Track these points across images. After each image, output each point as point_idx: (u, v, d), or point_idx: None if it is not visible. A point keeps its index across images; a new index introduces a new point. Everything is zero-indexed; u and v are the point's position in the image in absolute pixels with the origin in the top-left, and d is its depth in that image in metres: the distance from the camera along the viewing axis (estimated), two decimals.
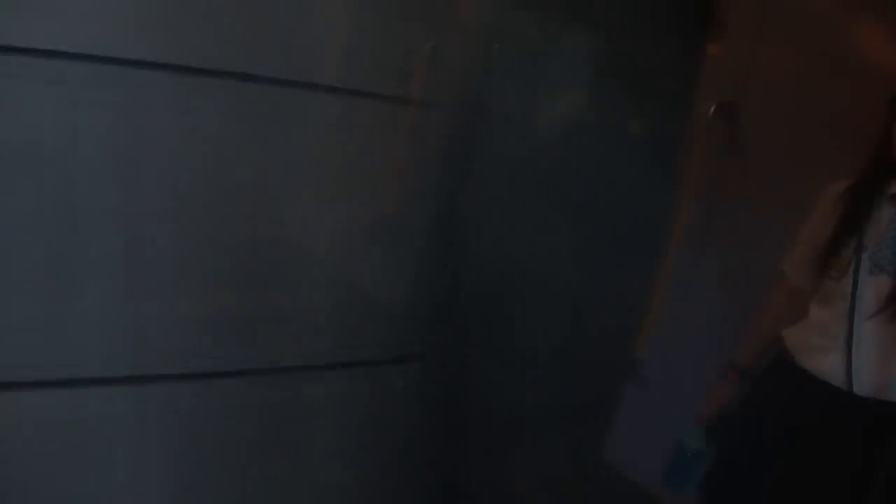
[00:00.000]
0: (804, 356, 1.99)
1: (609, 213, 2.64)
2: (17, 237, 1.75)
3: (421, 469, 2.58)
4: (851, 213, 1.96)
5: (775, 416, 2.05)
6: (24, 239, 1.76)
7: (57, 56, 1.67)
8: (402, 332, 2.48)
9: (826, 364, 1.94)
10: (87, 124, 1.76)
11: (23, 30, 1.63)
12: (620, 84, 2.58)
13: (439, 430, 2.58)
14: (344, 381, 2.34)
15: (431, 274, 2.49)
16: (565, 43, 2.52)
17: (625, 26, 2.46)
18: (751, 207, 2.59)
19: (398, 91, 2.30)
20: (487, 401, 2.60)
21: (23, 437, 1.85)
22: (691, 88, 2.80)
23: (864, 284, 1.90)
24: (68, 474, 1.94)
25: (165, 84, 1.84)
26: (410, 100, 2.34)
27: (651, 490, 2.74)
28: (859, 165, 1.95)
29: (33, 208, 1.76)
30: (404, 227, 2.43)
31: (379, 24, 2.20)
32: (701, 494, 2.26)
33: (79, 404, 1.93)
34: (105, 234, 1.86)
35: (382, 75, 2.25)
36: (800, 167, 2.43)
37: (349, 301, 2.34)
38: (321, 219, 2.24)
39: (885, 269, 1.87)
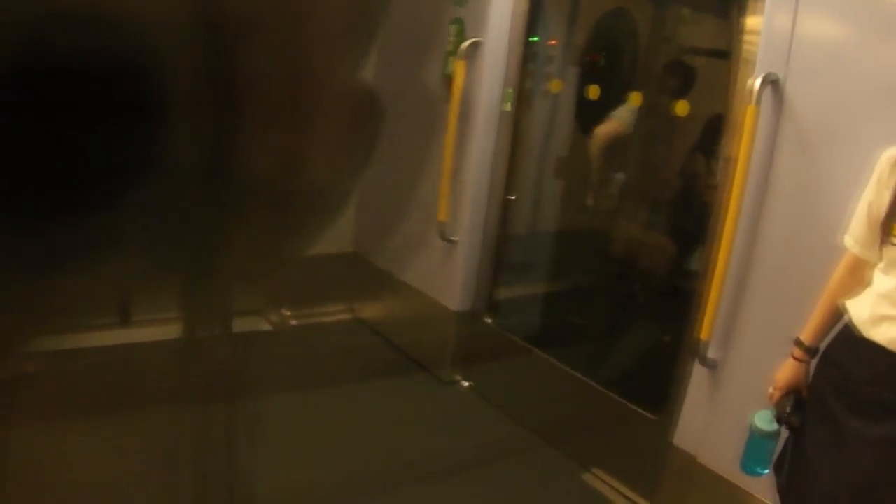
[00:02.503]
0: (870, 327, 1.95)
1: None
2: None
3: None
4: None
5: (844, 390, 2.01)
6: None
7: None
8: None
9: (894, 333, 1.89)
10: None
11: None
12: None
13: None
14: None
15: None
16: None
17: None
18: (806, 181, 2.53)
19: None
20: None
21: None
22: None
23: None
24: None
25: None
26: None
27: (725, 475, 2.71)
28: None
29: None
30: None
31: None
32: (774, 475, 2.24)
33: None
34: None
35: None
36: (852, 136, 2.38)
37: None
38: None
39: None
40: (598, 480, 3.32)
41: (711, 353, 2.79)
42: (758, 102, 2.55)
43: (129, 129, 1.00)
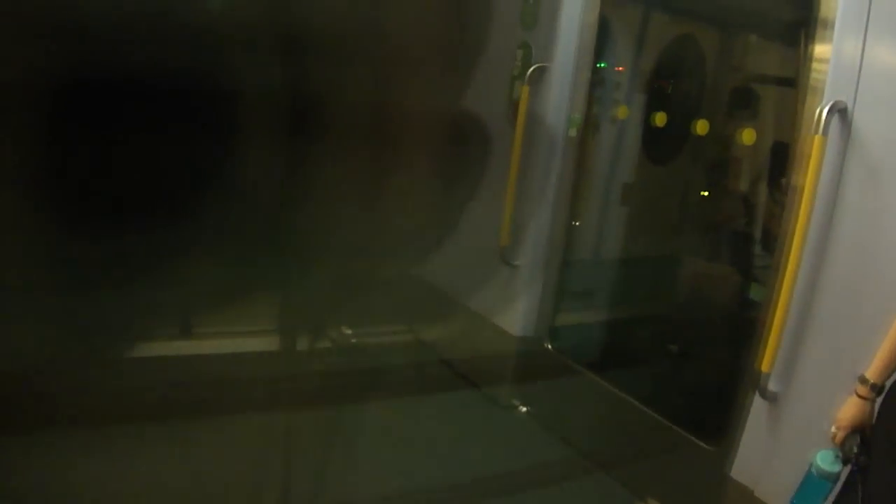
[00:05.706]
0: None
1: None
2: None
3: None
4: None
5: None
6: None
7: None
8: None
9: None
10: None
11: None
12: None
13: None
14: None
15: None
16: None
17: None
18: (874, 212, 2.47)
19: None
20: None
21: None
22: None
23: None
24: None
25: None
26: None
27: None
28: None
29: None
30: None
31: None
32: None
33: None
34: None
35: None
36: None
37: None
38: None
39: None
40: None
41: (772, 386, 2.74)
42: (825, 132, 2.50)
43: (220, 149, 1.04)
